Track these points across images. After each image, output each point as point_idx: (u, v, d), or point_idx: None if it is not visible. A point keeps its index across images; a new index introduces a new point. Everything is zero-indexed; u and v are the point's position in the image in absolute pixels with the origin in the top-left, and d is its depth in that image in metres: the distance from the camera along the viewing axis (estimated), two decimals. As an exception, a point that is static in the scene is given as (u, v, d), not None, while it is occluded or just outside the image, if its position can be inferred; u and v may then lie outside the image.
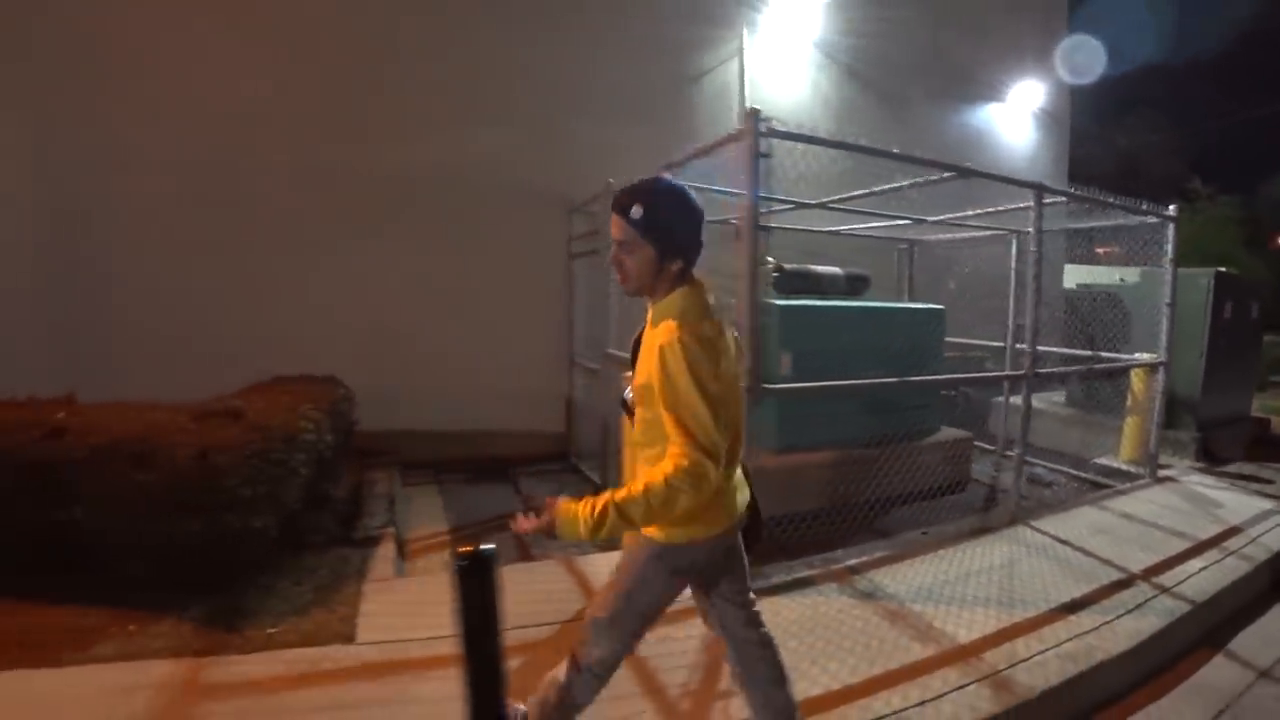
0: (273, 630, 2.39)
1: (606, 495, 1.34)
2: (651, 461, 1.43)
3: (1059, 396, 6.76)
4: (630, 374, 1.61)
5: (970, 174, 3.55)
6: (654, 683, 2.10)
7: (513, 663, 2.02)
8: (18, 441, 2.62)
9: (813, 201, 4.58)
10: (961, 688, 2.11)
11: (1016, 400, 5.94)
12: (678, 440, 1.32)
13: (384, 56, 4.78)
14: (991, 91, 7.73)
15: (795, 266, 5.01)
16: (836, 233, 5.78)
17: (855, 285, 5.31)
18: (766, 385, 2.87)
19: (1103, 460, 5.15)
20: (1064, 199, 4.26)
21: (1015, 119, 7.97)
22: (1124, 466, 4.92)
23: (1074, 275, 8.68)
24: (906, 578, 2.96)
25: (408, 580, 3.01)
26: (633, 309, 4.72)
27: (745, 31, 5.92)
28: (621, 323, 4.33)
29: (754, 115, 2.69)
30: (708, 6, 5.78)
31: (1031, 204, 3.75)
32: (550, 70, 5.19)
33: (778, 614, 2.56)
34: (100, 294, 4.38)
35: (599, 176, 4.57)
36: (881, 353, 4.48)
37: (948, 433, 5.14)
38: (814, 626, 2.49)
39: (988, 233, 5.76)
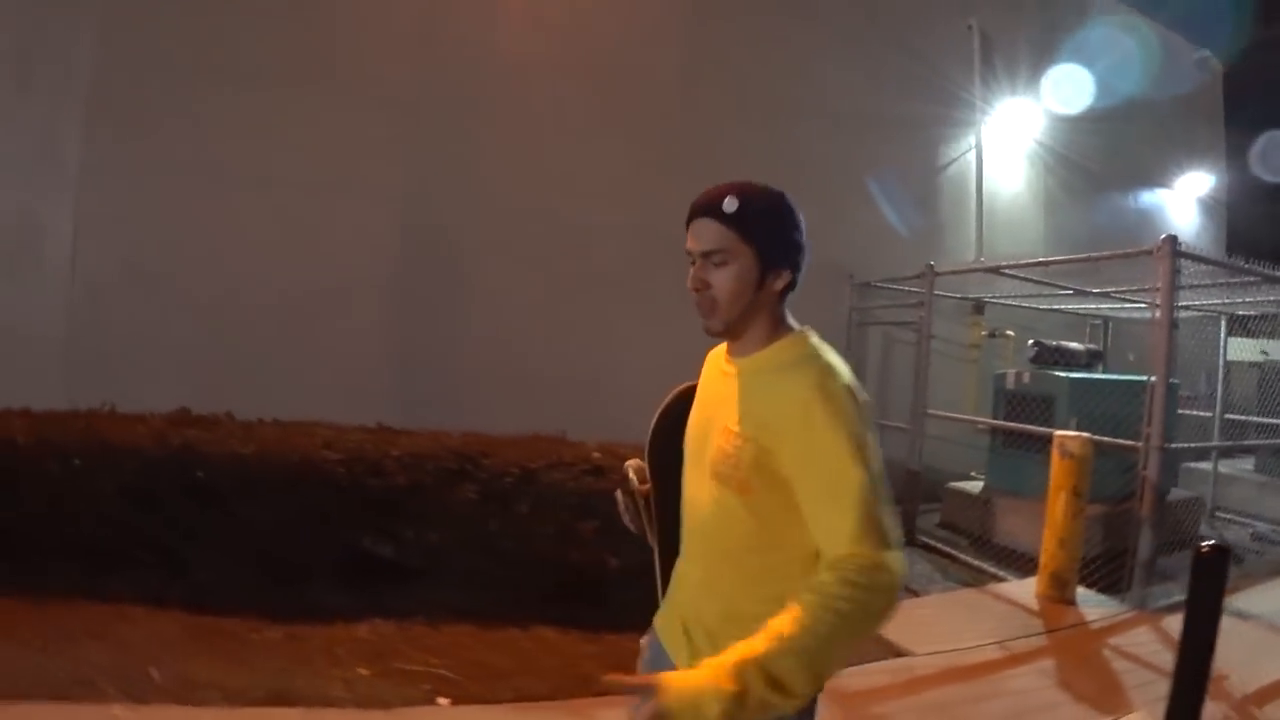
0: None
1: (738, 654, 0.83)
2: (766, 575, 1.02)
3: (1246, 464, 7.68)
4: (640, 462, 1.28)
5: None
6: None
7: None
8: (559, 479, 3.26)
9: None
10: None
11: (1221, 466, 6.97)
12: (857, 536, 0.88)
13: (711, 143, 5.98)
14: (1162, 179, 8.90)
15: (1049, 342, 6.08)
16: (1059, 309, 6.88)
17: (1093, 359, 6.36)
18: (1168, 445, 3.87)
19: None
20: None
21: (1181, 204, 9.12)
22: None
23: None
24: (1252, 605, 3.90)
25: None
26: (939, 369, 5.54)
27: (982, 129, 7.16)
28: (935, 381, 5.41)
29: (1171, 240, 3.76)
30: (953, 110, 7.02)
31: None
32: (833, 160, 6.39)
33: (1190, 628, 3.54)
34: (444, 331, 5.36)
35: (873, 251, 5.68)
36: (1131, 418, 5.49)
37: (1178, 493, 6.08)
38: (1227, 636, 3.46)
39: (1196, 313, 6.80)
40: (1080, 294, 5.70)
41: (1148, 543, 3.83)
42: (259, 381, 4.57)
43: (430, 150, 5.33)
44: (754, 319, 1.07)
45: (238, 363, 4.83)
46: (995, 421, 4.95)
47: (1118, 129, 8.06)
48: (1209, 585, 2.35)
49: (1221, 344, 6.74)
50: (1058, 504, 3.75)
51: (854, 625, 0.84)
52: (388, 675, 2.64)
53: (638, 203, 5.67)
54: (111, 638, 2.71)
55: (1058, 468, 3.77)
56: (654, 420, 1.27)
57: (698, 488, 1.11)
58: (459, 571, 3.20)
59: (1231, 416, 6.79)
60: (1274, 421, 6.85)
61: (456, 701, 2.50)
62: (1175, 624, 3.50)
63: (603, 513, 3.31)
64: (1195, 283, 5.42)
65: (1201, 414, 7.22)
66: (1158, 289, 4.01)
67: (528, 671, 2.73)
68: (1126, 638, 3.32)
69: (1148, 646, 3.23)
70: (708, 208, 1.07)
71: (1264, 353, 8.43)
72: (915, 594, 4.18)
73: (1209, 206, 9.35)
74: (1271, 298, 5.86)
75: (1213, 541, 2.25)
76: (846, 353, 6.24)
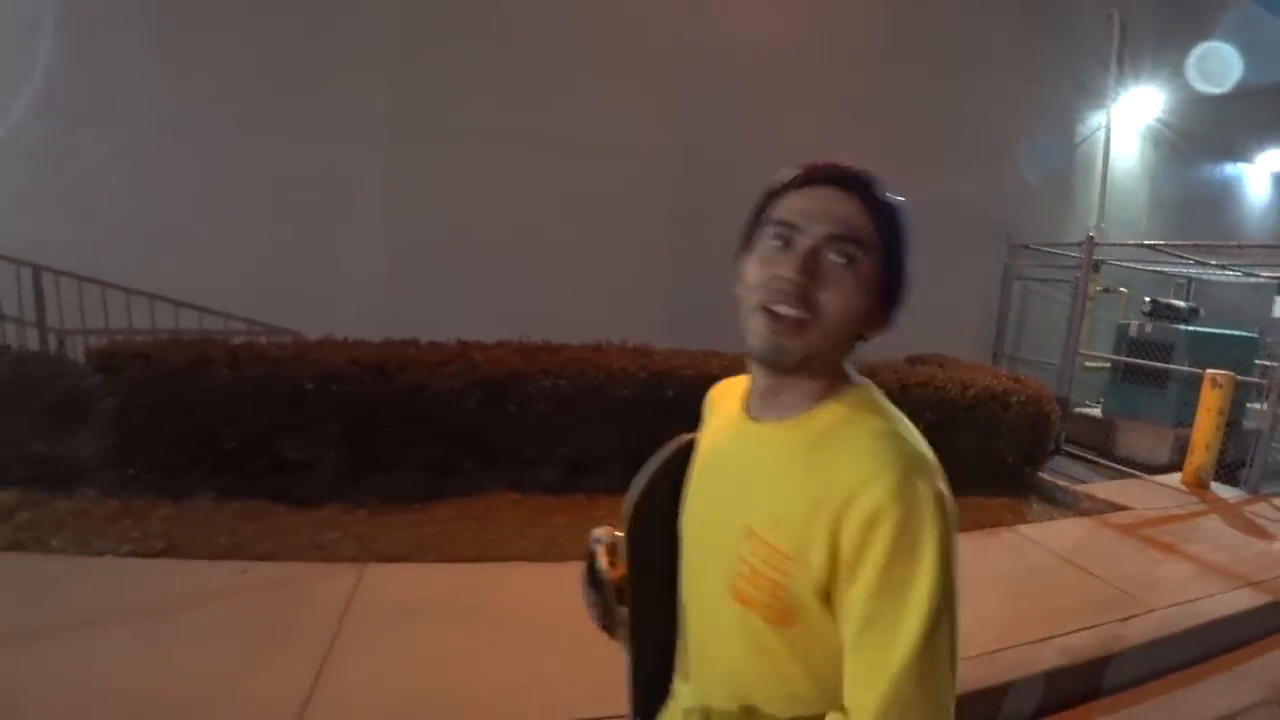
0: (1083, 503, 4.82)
1: None
2: (808, 710, 0.73)
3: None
4: (612, 535, 0.94)
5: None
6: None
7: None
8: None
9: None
10: None
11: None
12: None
13: (908, 114, 7.23)
14: (1245, 155, 10.33)
15: (1162, 300, 7.64)
16: (1156, 270, 8.43)
17: (1190, 314, 7.95)
18: (1289, 384, 5.49)
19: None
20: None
21: (1258, 177, 10.59)
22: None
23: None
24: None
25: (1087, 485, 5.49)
26: (1059, 317, 7.08)
27: (1110, 113, 8.51)
28: (1056, 327, 6.97)
29: None
30: (1086, 99, 8.37)
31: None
32: (996, 135, 7.73)
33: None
34: (702, 272, 6.77)
35: (1021, 215, 7.08)
36: (1229, 363, 7.13)
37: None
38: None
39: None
40: (1199, 264, 7.23)
41: (1263, 449, 5.51)
42: (546, 315, 5.37)
43: (694, 120, 6.57)
44: (823, 367, 0.74)
45: (528, 299, 6.05)
46: (1142, 362, 6.57)
47: (1215, 107, 9.41)
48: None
49: (1292, 304, 8.36)
50: (1206, 419, 5.40)
51: None
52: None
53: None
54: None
55: (1207, 394, 5.42)
56: (642, 484, 0.91)
57: (711, 604, 0.78)
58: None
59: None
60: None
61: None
62: (1281, 501, 5.25)
63: (932, 412, 4.69)
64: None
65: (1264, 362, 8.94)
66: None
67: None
68: (1254, 507, 5.04)
69: (1271, 510, 4.97)
70: (855, 179, 0.72)
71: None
72: (1083, 482, 5.87)
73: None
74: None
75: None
76: (997, 300, 7.81)
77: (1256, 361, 8.47)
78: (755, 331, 0.72)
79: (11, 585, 2.63)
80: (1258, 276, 7.78)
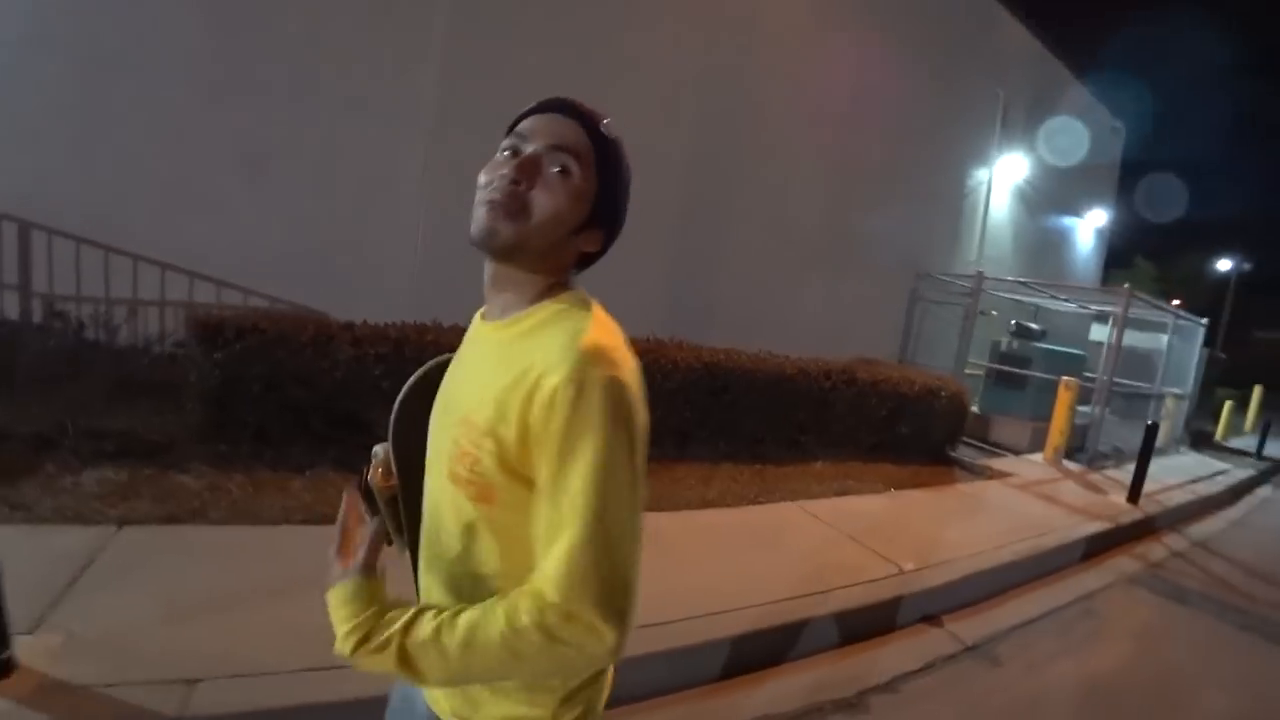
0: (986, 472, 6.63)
1: (403, 621, 0.76)
2: (482, 585, 0.82)
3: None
4: (387, 450, 0.99)
5: (1145, 301, 8.49)
6: None
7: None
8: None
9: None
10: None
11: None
12: (567, 586, 0.71)
13: (863, 161, 8.88)
14: (1077, 210, 13.17)
15: (1023, 323, 9.84)
16: (1015, 299, 10.75)
17: (1042, 335, 10.26)
18: (1112, 389, 7.59)
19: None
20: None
21: (1085, 229, 13.52)
22: (1162, 445, 10.32)
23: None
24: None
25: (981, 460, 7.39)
26: (946, 333, 9.17)
27: (993, 170, 10.70)
28: (946, 341, 8.89)
29: (1130, 291, 7.35)
30: (974, 161, 10.48)
31: (1169, 315, 8.81)
32: (903, 185, 9.58)
33: (1112, 476, 7.36)
34: (705, 274, 7.93)
35: (928, 250, 9.01)
36: (1065, 373, 9.43)
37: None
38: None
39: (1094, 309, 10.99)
40: (1050, 296, 9.47)
41: (1095, 436, 7.59)
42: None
43: (701, 135, 7.58)
44: (539, 267, 0.84)
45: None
46: (1010, 369, 8.59)
47: (1060, 174, 12.03)
48: (1151, 434, 5.93)
49: (1119, 333, 10.97)
50: (1060, 413, 7.37)
51: (531, 670, 0.75)
52: (846, 480, 5.15)
53: (821, 203, 8.56)
54: (785, 479, 4.87)
55: (1063, 394, 7.39)
56: (399, 398, 0.99)
57: (437, 490, 0.88)
58: (831, 437, 5.73)
59: (1120, 380, 11.13)
60: (1124, 380, 11.35)
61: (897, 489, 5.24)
62: (1109, 472, 7.32)
63: (890, 402, 6.07)
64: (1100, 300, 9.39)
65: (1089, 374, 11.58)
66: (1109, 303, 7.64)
67: (878, 476, 5.45)
68: (1092, 476, 7.05)
69: (1101, 479, 6.98)
70: (576, 109, 0.84)
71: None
72: (977, 460, 7.69)
73: (1099, 232, 13.89)
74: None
75: (1152, 420, 5.77)
76: (904, 320, 9.70)
77: (1085, 374, 11.04)
78: (475, 220, 0.80)
79: (218, 554, 2.59)
80: (1086, 308, 10.20)
